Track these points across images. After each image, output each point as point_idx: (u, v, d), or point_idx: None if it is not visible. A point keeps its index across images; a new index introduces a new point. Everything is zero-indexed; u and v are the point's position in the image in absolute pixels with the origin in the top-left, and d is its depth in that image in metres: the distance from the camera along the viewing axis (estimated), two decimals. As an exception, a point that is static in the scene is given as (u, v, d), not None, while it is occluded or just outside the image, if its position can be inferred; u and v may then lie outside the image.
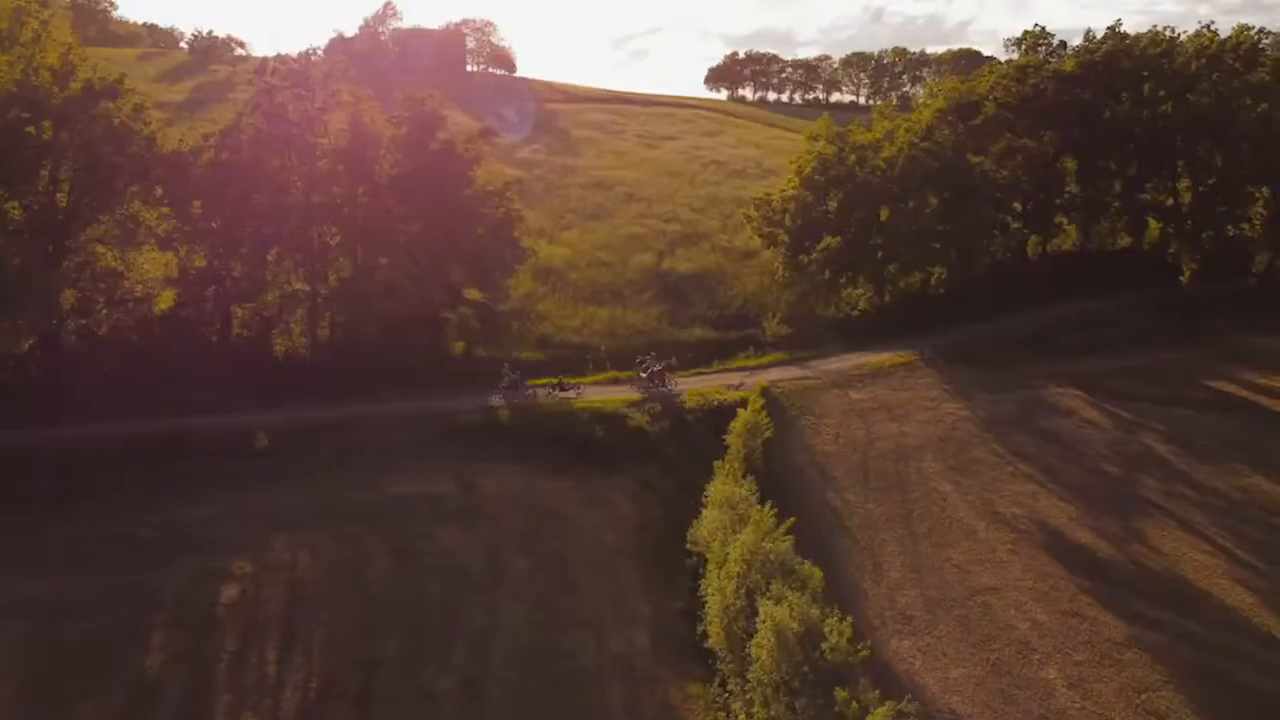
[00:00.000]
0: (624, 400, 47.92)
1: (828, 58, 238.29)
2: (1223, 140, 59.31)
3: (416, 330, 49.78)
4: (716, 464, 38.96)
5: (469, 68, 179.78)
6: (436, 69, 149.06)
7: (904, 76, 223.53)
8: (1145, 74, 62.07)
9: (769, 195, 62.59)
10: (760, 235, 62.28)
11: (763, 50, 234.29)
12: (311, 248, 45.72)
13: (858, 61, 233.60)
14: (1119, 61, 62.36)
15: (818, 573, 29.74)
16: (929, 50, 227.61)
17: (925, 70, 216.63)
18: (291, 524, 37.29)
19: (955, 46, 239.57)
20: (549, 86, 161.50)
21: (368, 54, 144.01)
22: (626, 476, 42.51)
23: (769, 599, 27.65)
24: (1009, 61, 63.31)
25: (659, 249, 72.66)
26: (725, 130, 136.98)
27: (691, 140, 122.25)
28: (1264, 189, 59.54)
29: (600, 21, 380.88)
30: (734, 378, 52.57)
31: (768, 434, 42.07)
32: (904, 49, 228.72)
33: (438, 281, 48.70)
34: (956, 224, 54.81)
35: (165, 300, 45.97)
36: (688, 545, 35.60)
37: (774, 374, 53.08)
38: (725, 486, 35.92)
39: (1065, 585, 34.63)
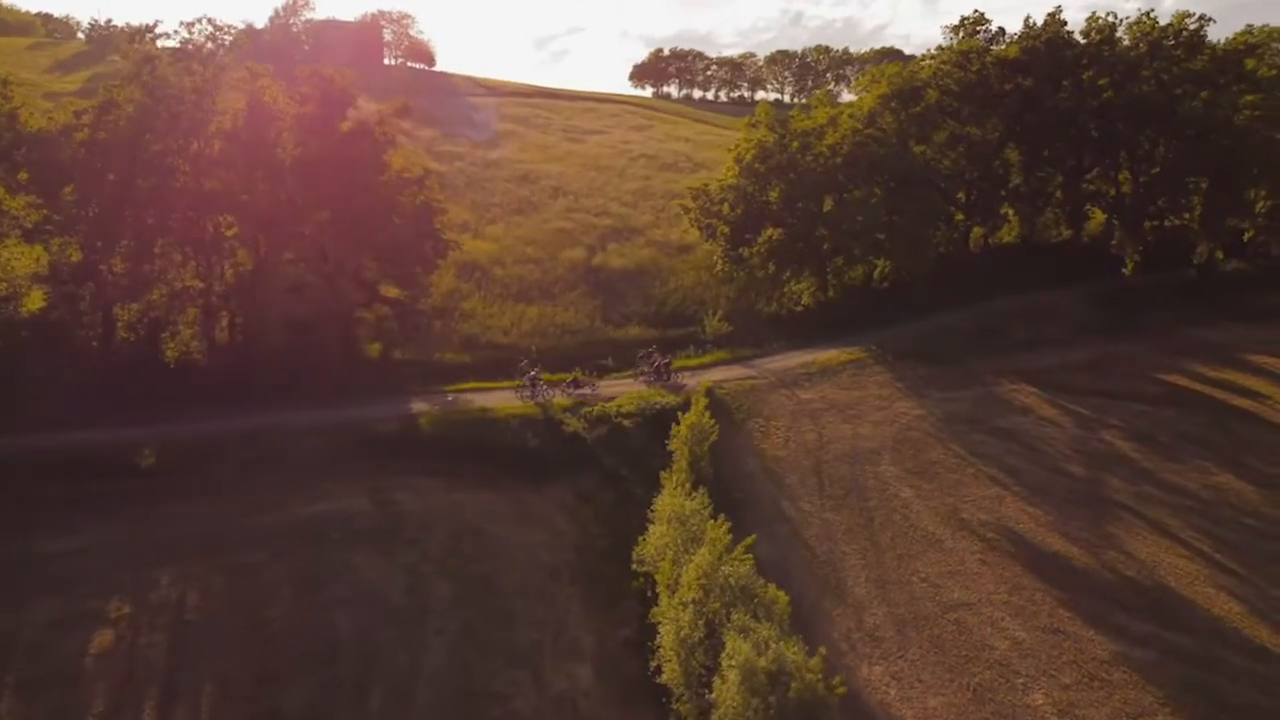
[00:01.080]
0: (556, 404, 44.04)
1: (752, 55, 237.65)
2: (1165, 129, 58.08)
3: (327, 331, 45.17)
4: (663, 474, 35.48)
5: (386, 61, 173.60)
6: (352, 62, 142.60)
7: (828, 75, 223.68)
8: (1085, 61, 60.58)
9: (706, 185, 59.34)
10: (698, 227, 59.02)
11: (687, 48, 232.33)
12: (204, 240, 40.57)
13: (782, 59, 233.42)
14: (1060, 49, 60.76)
15: (783, 598, 26.51)
16: (851, 49, 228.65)
17: (849, 69, 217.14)
18: (179, 555, 32.50)
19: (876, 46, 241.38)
20: (470, 80, 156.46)
21: (278, 46, 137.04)
22: (562, 488, 38.68)
23: (733, 631, 24.25)
24: (951, 47, 61.20)
25: (589, 244, 68.92)
26: (653, 125, 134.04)
27: (619, 135, 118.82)
28: (1204, 180, 58.37)
29: (521, 21, 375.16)
30: (675, 378, 49.11)
31: (714, 438, 38.67)
32: (827, 47, 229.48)
33: (350, 277, 44.16)
34: (904, 214, 52.26)
35: (34, 301, 40.47)
36: (633, 565, 31.97)
37: (717, 374, 49.82)
38: (674, 499, 32.39)
39: (1042, 598, 32.04)
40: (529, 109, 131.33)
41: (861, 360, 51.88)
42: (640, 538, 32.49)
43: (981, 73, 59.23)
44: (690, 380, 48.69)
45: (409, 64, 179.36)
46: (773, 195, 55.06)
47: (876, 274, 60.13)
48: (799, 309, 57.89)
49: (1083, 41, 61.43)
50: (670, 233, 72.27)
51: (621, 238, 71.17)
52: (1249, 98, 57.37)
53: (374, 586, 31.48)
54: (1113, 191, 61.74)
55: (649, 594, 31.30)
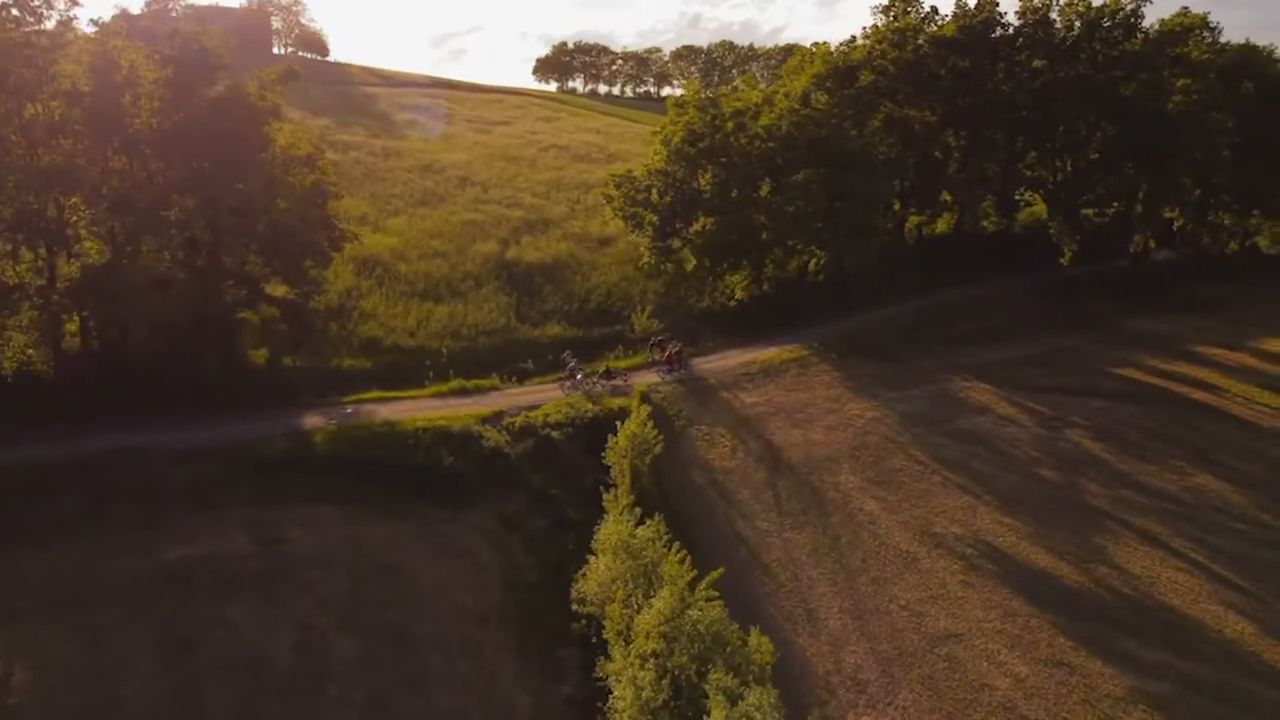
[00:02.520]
0: (473, 415, 38.60)
1: (658, 50, 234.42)
2: (1103, 113, 55.93)
3: (203, 336, 38.70)
4: (606, 497, 30.55)
5: (276, 50, 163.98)
6: (239, 50, 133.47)
7: (733, 71, 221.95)
8: (1020, 43, 58.08)
9: (630, 171, 54.60)
10: (622, 216, 54.25)
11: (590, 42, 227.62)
12: (42, 225, 33.54)
13: (688, 54, 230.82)
14: (993, 29, 58.06)
15: (767, 645, 22.00)
16: (756, 45, 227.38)
17: (754, 64, 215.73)
18: (9, 615, 26.14)
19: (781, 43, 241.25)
20: (366, 71, 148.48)
21: (155, 33, 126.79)
22: (484, 513, 33.33)
23: (716, 695, 19.59)
24: (885, 26, 57.85)
25: (502, 237, 63.36)
26: (561, 116, 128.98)
27: (526, 125, 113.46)
28: (1141, 167, 56.37)
29: (417, 18, 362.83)
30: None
31: (657, 450, 34.02)
32: (732, 43, 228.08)
33: (228, 272, 37.84)
34: (847, 200, 48.46)
35: None
36: (573, 605, 26.86)
37: (650, 376, 45.11)
38: (620, 526, 27.49)
39: (1038, 625, 28.31)
40: (431, 99, 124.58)
41: (805, 359, 47.93)
42: (579, 571, 27.47)
43: (918, 52, 56.03)
44: (622, 384, 43.86)
45: (300, 53, 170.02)
46: (704, 181, 50.66)
47: (812, 266, 56.41)
48: (732, 304, 53.68)
49: (1017, 22, 58.93)
50: (589, 225, 67.36)
51: (536, 230, 65.88)
52: (1183, 82, 55.64)
53: (257, 648, 25.68)
54: (1051, 178, 59.36)
55: (593, 639, 26.41)
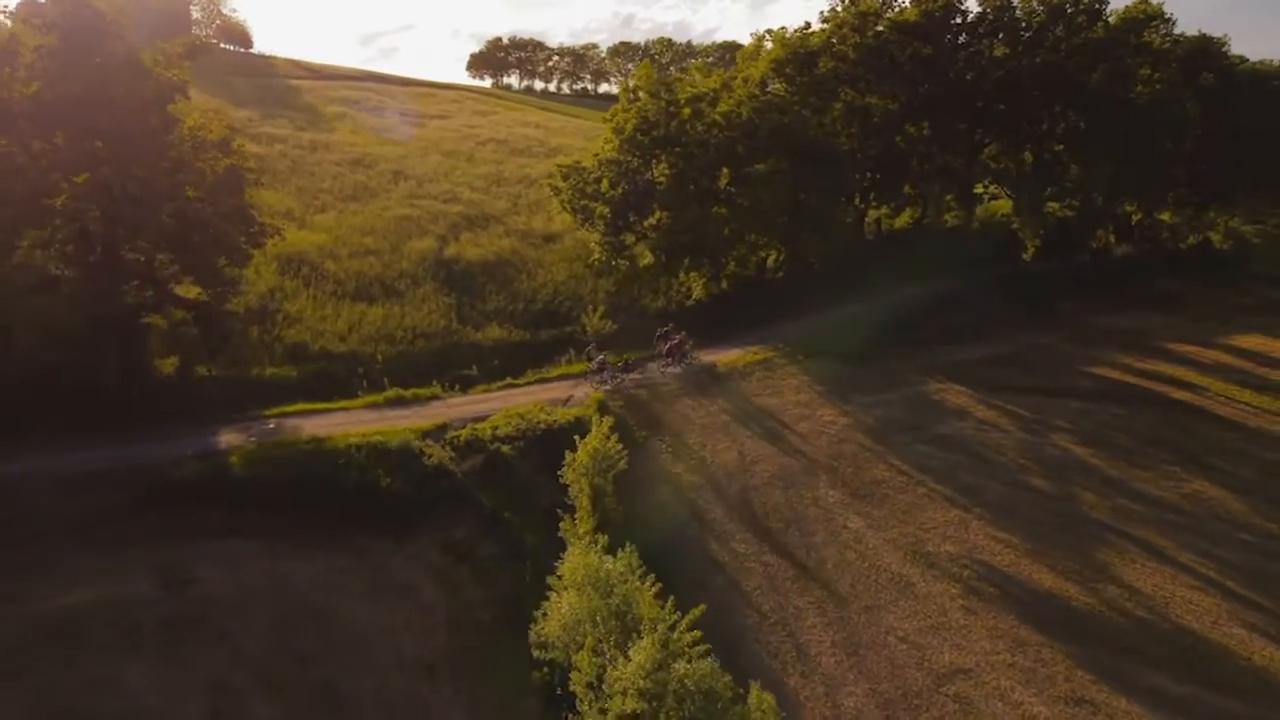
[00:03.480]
0: (412, 428, 34.62)
1: (595, 47, 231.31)
2: (1070, 103, 53.99)
3: (101, 343, 34.06)
4: (564, 522, 27.01)
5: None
6: (154, 39, 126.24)
7: (671, 68, 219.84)
8: (982, 30, 55.91)
9: (579, 162, 50.99)
10: (571, 210, 50.62)
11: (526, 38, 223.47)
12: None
13: (625, 51, 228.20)
14: (956, 15, 55.78)
15: (770, 703, 18.73)
16: (693, 43, 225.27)
17: (691, 61, 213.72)
18: None
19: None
20: (293, 64, 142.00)
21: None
22: (427, 542, 29.45)
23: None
24: (846, 9, 55.08)
25: (440, 233, 59.26)
26: (498, 111, 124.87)
27: (462, 119, 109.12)
28: (1108, 158, 54.54)
29: (347, 16, 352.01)
30: (558, 390, 40.56)
31: (621, 466, 30.52)
32: (670, 39, 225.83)
33: (128, 270, 33.26)
34: (812, 192, 45.49)
35: None
36: (534, 650, 23.26)
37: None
38: (586, 556, 23.94)
39: (1052, 657, 25.47)
40: (361, 92, 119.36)
41: (770, 360, 44.86)
42: (538, 610, 23.86)
43: (879, 38, 53.40)
44: (576, 390, 40.28)
45: (222, 45, 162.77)
46: (659, 172, 47.28)
47: (770, 262, 53.51)
48: (690, 303, 50.42)
49: (980, 8, 56.74)
50: (532, 220, 63.67)
51: (476, 226, 61.94)
52: (1146, 71, 54.02)
53: (159, 716, 21.52)
54: (1015, 170, 57.31)
55: (557, 689, 22.86)
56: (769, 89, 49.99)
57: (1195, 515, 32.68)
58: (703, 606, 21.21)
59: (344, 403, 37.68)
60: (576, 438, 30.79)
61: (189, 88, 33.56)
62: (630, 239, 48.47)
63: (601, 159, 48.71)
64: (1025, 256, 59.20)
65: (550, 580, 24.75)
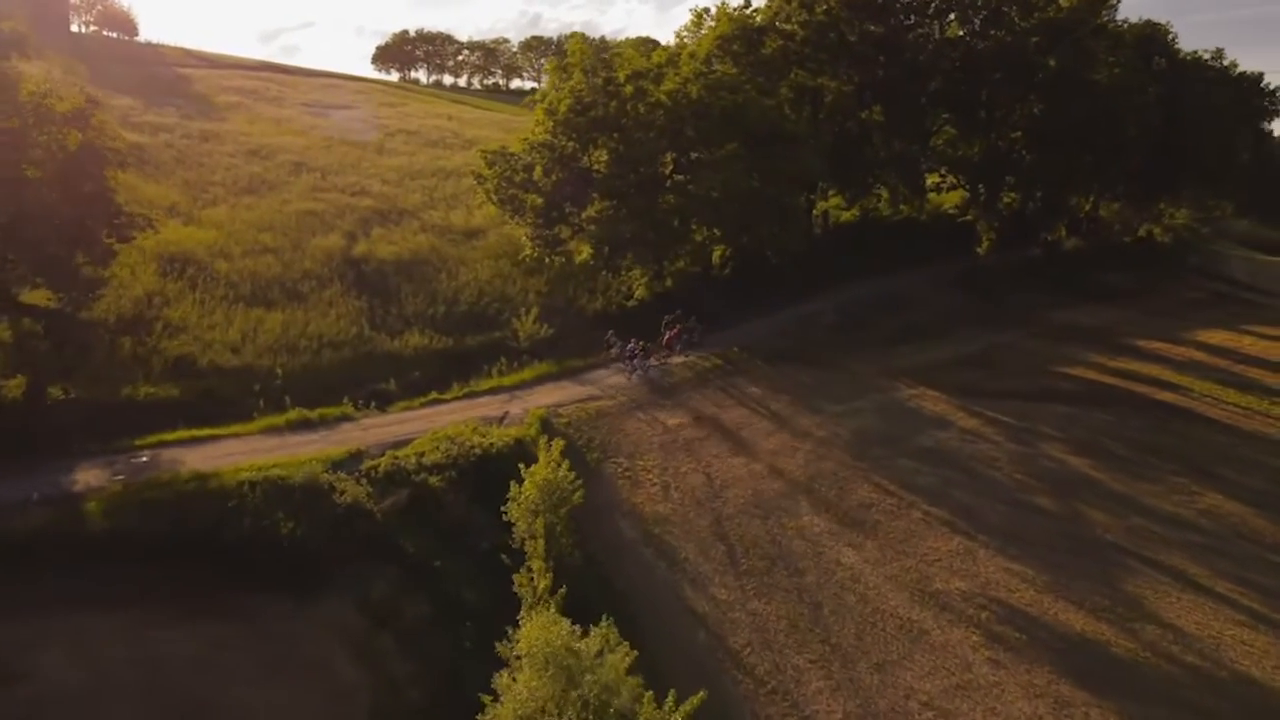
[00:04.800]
0: (320, 457, 28.86)
1: (506, 41, 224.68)
2: (1030, 86, 50.84)
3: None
4: (519, 578, 21.89)
5: (75, 28, 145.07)
6: (31, 26, 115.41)
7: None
8: (936, 6, 52.40)
9: (505, 147, 45.64)
10: (498, 202, 45.27)
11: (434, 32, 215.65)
12: None
13: (537, 45, 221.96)
14: (902, -9, 52.26)
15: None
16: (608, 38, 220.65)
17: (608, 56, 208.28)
18: None
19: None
20: (184, 52, 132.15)
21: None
22: (340, 603, 23.88)
23: None
24: (788, -15, 51.03)
25: (348, 229, 53.10)
26: (408, 103, 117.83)
27: (369, 110, 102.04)
28: (1069, 145, 51.57)
29: (244, 12, 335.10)
30: (490, 405, 35.24)
31: (576, 499, 25.54)
32: (584, 34, 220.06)
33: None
34: (771, 180, 41.07)
35: None
36: (481, 746, 18.12)
37: (546, 395, 36.48)
38: (547, 628, 18.85)
39: (1103, 718, 21.37)
40: (259, 82, 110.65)
41: (726, 365, 40.45)
42: (489, 696, 18.64)
43: (829, 14, 49.33)
44: (512, 406, 35.03)
45: (104, 32, 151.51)
46: (597, 157, 42.25)
47: (716, 258, 49.07)
48: (632, 304, 45.53)
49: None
50: (451, 215, 57.85)
51: (389, 221, 55.90)
52: (1105, 55, 51.38)
53: None
54: (973, 158, 54.01)
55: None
56: (715, 69, 45.41)
57: (1217, 534, 29.31)
58: (702, 695, 16.55)
59: (236, 427, 31.72)
60: (521, 466, 25.72)
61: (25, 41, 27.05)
62: (565, 232, 43.40)
63: (532, 143, 43.43)
64: (979, 250, 56.04)
65: (500, 649, 19.71)
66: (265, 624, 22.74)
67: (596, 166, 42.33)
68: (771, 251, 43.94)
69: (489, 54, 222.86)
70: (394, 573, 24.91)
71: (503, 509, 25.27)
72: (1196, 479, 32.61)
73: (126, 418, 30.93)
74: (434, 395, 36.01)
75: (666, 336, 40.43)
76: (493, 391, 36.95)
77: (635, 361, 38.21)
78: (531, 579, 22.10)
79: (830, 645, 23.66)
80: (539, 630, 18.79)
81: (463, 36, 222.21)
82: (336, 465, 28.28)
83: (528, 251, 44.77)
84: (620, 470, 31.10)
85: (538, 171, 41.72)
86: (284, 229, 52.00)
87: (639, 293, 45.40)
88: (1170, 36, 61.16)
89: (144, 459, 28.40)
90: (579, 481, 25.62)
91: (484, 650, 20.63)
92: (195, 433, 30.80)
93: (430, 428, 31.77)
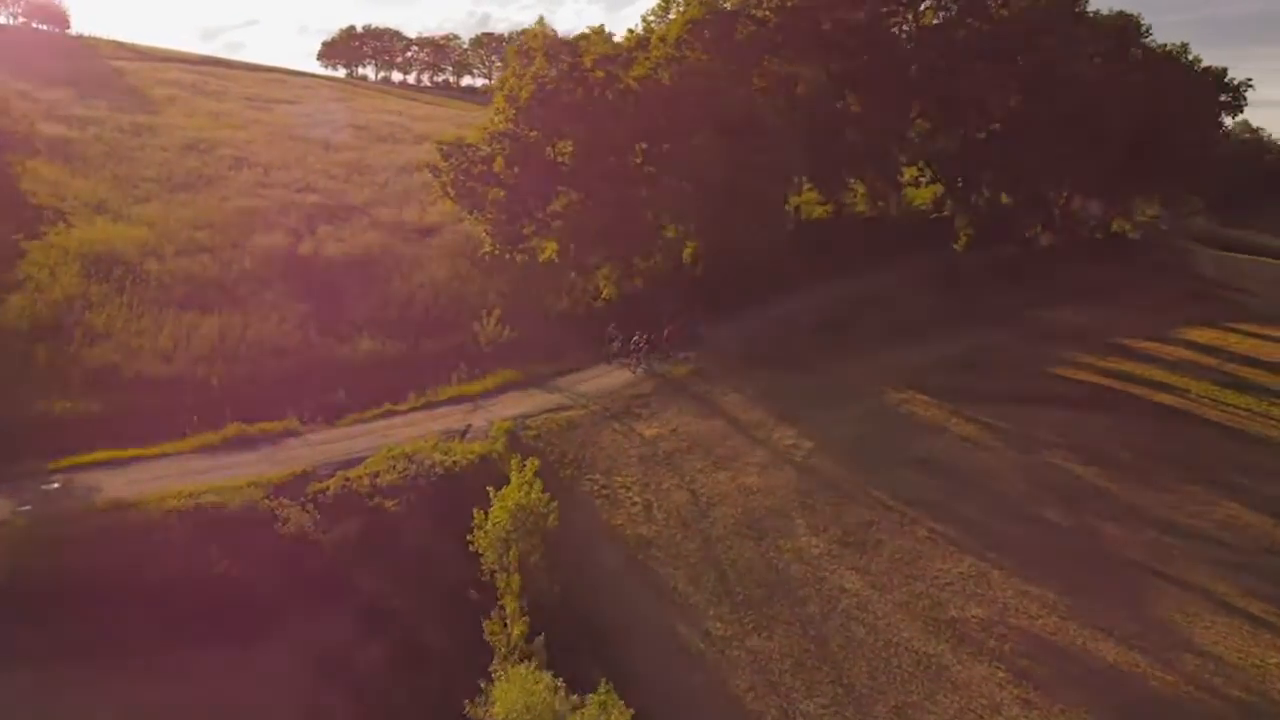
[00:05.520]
0: (260, 481, 25.66)
1: (456, 38, 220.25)
2: (1013, 75, 48.89)
3: None
4: (491, 625, 19.00)
5: (2, 19, 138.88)
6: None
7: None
8: (909, -2, 50.43)
9: (463, 138, 42.52)
10: (455, 197, 42.10)
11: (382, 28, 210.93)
12: None
13: (488, 42, 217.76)
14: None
15: None
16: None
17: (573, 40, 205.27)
18: None
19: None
20: (119, 45, 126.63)
21: None
22: (285, 653, 20.74)
23: None
24: (763, -32, 48.48)
25: (292, 227, 49.68)
26: (356, 98, 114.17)
27: (316, 105, 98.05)
28: (1054, 140, 49.65)
29: (186, 10, 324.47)
30: (451, 417, 32.21)
31: (551, 522, 22.71)
32: (544, 19, 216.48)
33: None
34: (749, 171, 38.49)
35: None
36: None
37: (511, 404, 33.57)
38: (532, 687, 16.05)
39: (1154, 769, 19.05)
40: (198, 76, 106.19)
41: (703, 370, 37.81)
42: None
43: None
44: (475, 417, 32.02)
45: (34, 25, 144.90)
46: (563, 148, 39.31)
47: (687, 255, 46.42)
48: (599, 304, 42.71)
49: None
50: (403, 212, 54.71)
51: (337, 218, 52.54)
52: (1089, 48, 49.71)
53: None
54: (956, 151, 51.94)
55: None
56: (685, 54, 42.72)
57: (1242, 549, 27.24)
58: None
59: (166, 446, 28.41)
60: (490, 490, 22.82)
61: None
62: (529, 228, 40.38)
63: (492, 133, 40.34)
64: (956, 246, 54.07)
65: (470, 709, 16.87)
66: (198, 680, 19.54)
67: (562, 157, 39.37)
68: (747, 249, 41.22)
69: (439, 51, 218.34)
70: (346, 616, 21.82)
71: (469, 538, 22.40)
72: (1209, 488, 30.58)
73: (38, 437, 27.49)
74: (389, 406, 32.86)
75: (667, 331, 38.51)
76: (454, 401, 33.89)
77: (640, 356, 36.86)
78: (505, 623, 19.23)
79: (842, 686, 21.08)
80: (518, 690, 16.01)
81: (411, 34, 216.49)
82: (279, 489, 25.12)
83: (488, 248, 41.72)
84: (597, 488, 28.27)
85: (498, 163, 38.66)
86: (222, 227, 48.37)
87: (606, 292, 42.58)
88: (1145, 28, 59.94)
89: (55, 485, 24.98)
90: (554, 504, 22.78)
91: (451, 707, 17.75)
92: (117, 453, 27.46)
93: (385, 443, 28.66)
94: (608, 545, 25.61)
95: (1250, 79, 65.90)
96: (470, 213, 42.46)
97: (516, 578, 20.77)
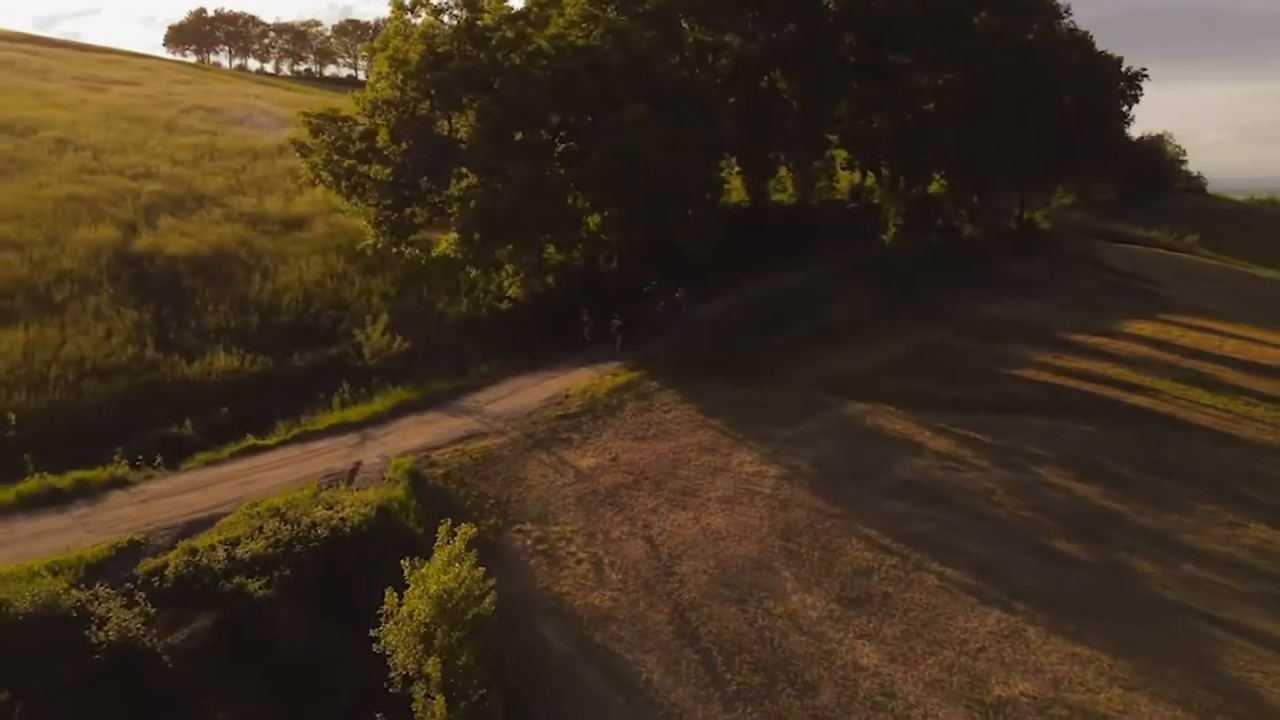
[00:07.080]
0: (66, 559, 18.52)
1: (318, 24, 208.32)
2: (954, 48, 45.10)
3: None
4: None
5: None
6: None
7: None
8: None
9: (336, 110, 35.51)
10: (329, 180, 35.06)
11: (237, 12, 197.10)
12: None
13: (354, 30, 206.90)
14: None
15: None
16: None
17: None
18: None
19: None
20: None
21: None
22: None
23: None
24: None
25: (125, 219, 41.27)
26: (205, 81, 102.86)
27: (159, 86, 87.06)
28: (990, 121, 46.20)
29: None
30: (334, 452, 25.45)
31: (487, 607, 16.60)
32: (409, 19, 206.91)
33: None
34: (684, 149, 32.95)
35: None
36: None
37: (410, 432, 27.06)
38: None
39: None
40: (18, 54, 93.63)
41: (638, 383, 32.10)
42: None
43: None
44: (365, 452, 25.41)
45: None
46: (462, 121, 32.88)
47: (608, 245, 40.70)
48: (505, 306, 36.52)
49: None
50: (265, 201, 46.62)
51: (182, 209, 44.19)
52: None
53: None
54: (889, 133, 47.86)
55: None
56: (600, 14, 36.95)
57: (1283, 580, 23.41)
58: None
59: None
60: (405, 564, 16.59)
61: None
62: (420, 215, 33.74)
63: (374, 102, 33.48)
64: (885, 237, 50.19)
65: None
66: None
67: (460, 133, 32.92)
68: (684, 240, 35.75)
69: (299, 38, 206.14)
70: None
71: (373, 631, 16.11)
72: (1228, 505, 26.90)
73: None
74: (251, 441, 25.85)
75: (647, 310, 35.66)
76: (335, 431, 27.13)
77: (620, 340, 34.44)
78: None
79: (885, 812, 15.79)
80: None
81: (269, 19, 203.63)
82: (94, 572, 18.03)
83: (369, 241, 34.98)
84: (530, 543, 22.16)
85: (383, 136, 31.94)
86: (37, 218, 39.63)
87: (513, 292, 36.35)
88: (1066, 7, 57.75)
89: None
90: (491, 584, 16.70)
91: None
92: None
93: (246, 494, 21.84)
94: (553, 623, 19.58)
95: (1145, 68, 65.13)
96: (348, 199, 35.49)
97: (441, 698, 14.64)
